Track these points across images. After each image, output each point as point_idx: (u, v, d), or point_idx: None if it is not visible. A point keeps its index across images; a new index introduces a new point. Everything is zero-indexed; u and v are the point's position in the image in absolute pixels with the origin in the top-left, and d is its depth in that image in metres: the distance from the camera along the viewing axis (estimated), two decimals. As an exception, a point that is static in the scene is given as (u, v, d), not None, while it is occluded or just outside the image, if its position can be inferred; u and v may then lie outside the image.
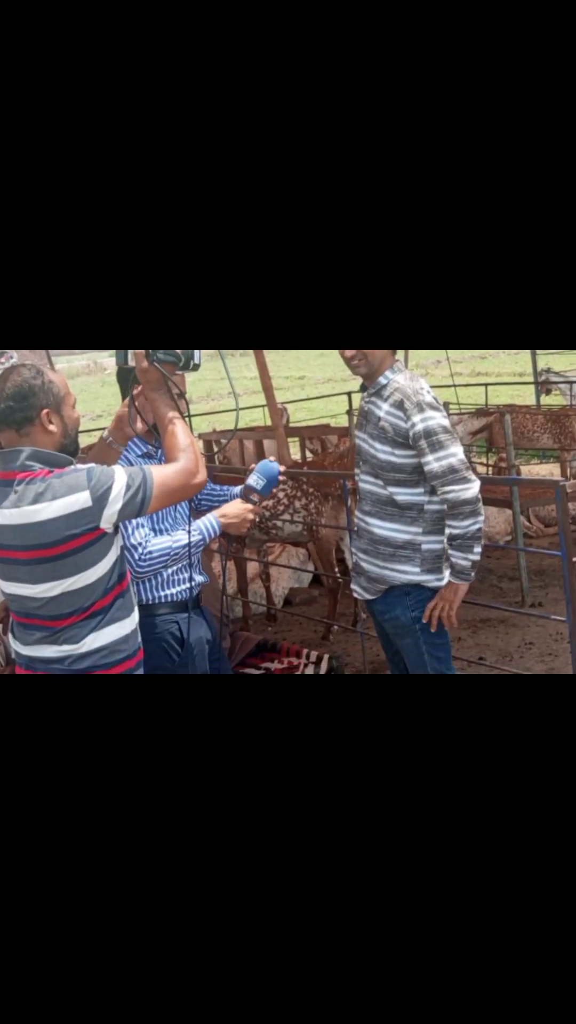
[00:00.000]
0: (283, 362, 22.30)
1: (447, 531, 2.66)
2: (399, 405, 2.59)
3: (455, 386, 9.06)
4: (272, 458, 2.82)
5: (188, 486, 2.02)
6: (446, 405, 7.78)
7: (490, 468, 8.09)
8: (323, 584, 5.73)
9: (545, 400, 10.01)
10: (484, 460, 8.47)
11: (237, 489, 2.70)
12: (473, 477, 2.58)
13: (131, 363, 2.11)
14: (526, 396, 12.21)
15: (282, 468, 2.60)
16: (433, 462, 2.56)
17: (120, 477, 1.92)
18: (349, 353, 2.65)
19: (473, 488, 2.57)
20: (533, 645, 4.79)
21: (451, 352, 20.20)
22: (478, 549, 2.63)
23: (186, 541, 2.35)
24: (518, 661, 4.58)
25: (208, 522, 2.46)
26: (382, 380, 2.66)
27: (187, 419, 2.13)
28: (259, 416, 10.94)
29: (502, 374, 13.69)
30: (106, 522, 1.90)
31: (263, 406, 7.99)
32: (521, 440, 7.56)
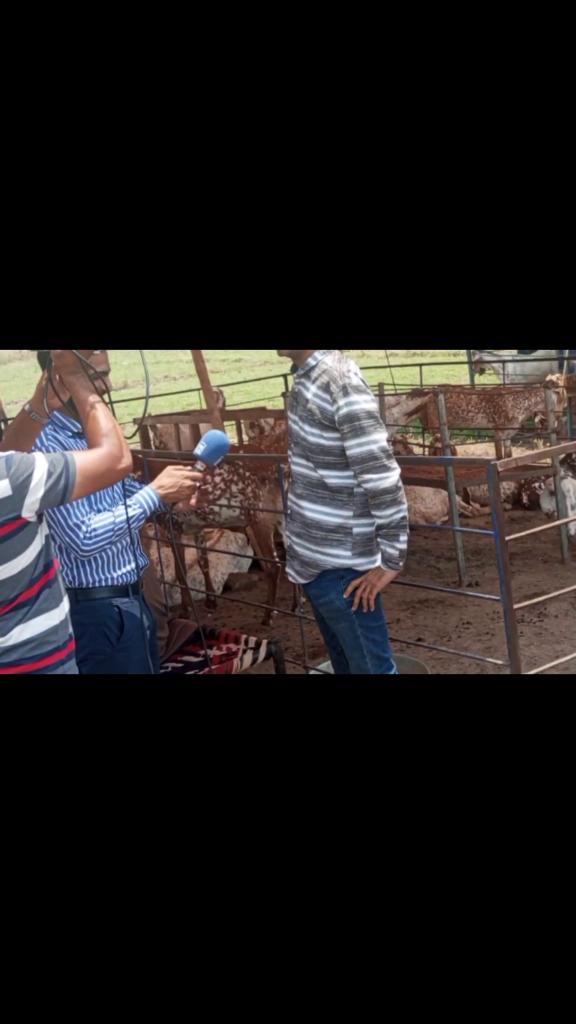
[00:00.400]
0: (219, 345, 22.07)
1: (374, 519, 2.65)
2: (326, 387, 2.56)
3: (390, 367, 9.06)
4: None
5: (113, 471, 1.96)
6: (380, 386, 7.84)
7: (426, 449, 8.13)
8: (263, 569, 5.71)
9: (479, 380, 10.10)
10: (420, 440, 8.51)
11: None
12: (394, 465, 2.56)
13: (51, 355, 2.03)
14: (460, 376, 12.33)
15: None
16: (355, 447, 2.55)
17: (41, 464, 1.86)
18: None
19: (391, 477, 2.56)
20: (471, 625, 4.84)
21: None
22: (404, 537, 2.63)
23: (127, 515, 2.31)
24: (456, 641, 4.62)
25: (146, 495, 2.42)
26: (311, 361, 2.63)
27: (108, 402, 2.07)
28: (195, 400, 10.84)
29: (436, 354, 13.77)
30: (27, 511, 1.85)
31: (198, 389, 7.91)
32: (456, 420, 7.61)
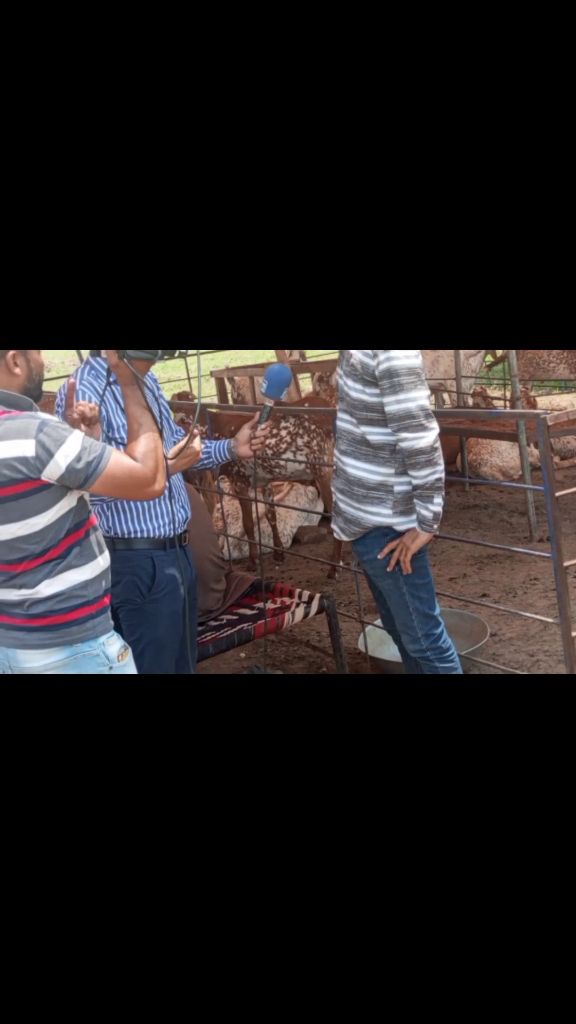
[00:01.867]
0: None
1: (410, 479, 2.60)
2: None
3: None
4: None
5: (137, 491, 1.96)
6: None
7: (507, 402, 7.92)
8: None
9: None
10: (501, 394, 8.30)
11: (215, 444, 2.69)
12: (432, 425, 2.49)
13: (103, 357, 2.01)
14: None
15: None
16: (392, 404, 2.49)
17: (74, 442, 1.86)
18: None
19: (427, 437, 2.49)
20: (538, 581, 4.73)
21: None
22: (439, 499, 2.57)
23: None
24: (521, 597, 4.53)
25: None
26: None
27: (158, 419, 2.04)
28: (273, 354, 10.80)
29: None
30: (47, 477, 1.86)
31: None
32: (537, 371, 7.38)
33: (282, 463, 5.31)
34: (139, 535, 2.50)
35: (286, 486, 6.17)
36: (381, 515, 2.65)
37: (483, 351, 7.46)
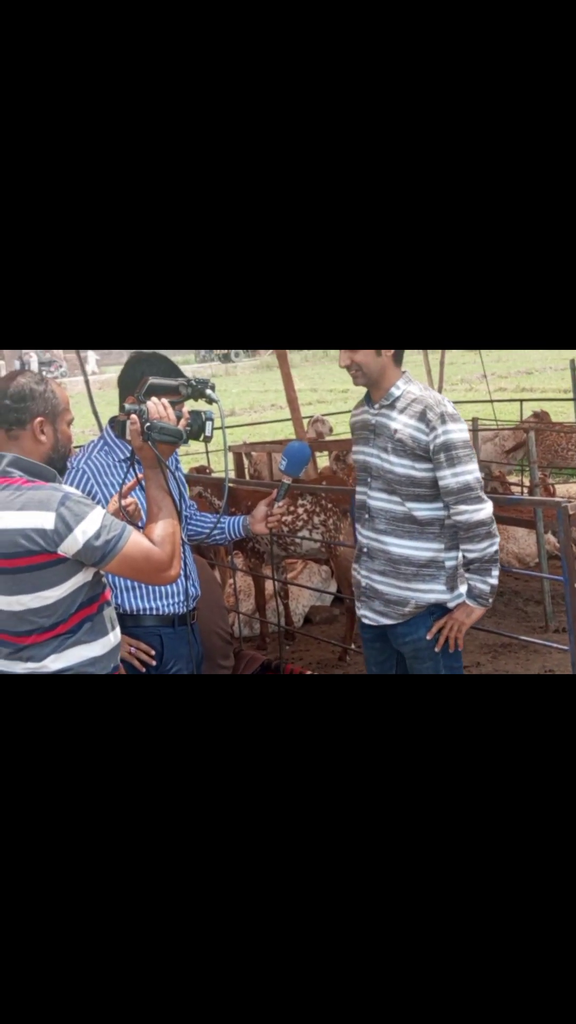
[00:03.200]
0: (328, 374, 22.26)
1: (463, 554, 2.54)
2: (421, 416, 2.47)
3: (492, 401, 8.89)
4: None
5: (152, 575, 1.93)
6: (474, 420, 7.67)
7: (525, 488, 7.90)
8: (345, 603, 5.63)
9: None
10: (519, 480, 8.28)
11: (230, 520, 2.67)
12: (487, 497, 2.47)
13: (128, 438, 1.96)
14: (569, 413, 11.98)
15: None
16: (450, 477, 2.45)
17: (96, 518, 1.83)
18: (344, 362, 2.56)
19: (487, 509, 2.46)
20: (554, 673, 4.63)
21: (496, 367, 19.99)
22: (496, 572, 2.51)
23: None
24: (536, 689, 4.42)
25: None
26: (394, 391, 2.55)
27: (178, 504, 2.01)
28: (291, 430, 10.90)
29: (547, 390, 13.45)
30: (64, 551, 1.82)
31: (308, 418, 7.97)
32: (556, 458, 7.38)
33: (297, 541, 5.28)
34: (148, 612, 2.46)
35: (300, 564, 6.12)
36: (436, 592, 2.57)
37: (501, 437, 7.47)
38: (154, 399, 1.95)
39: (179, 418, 1.97)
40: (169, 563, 1.92)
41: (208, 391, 2.04)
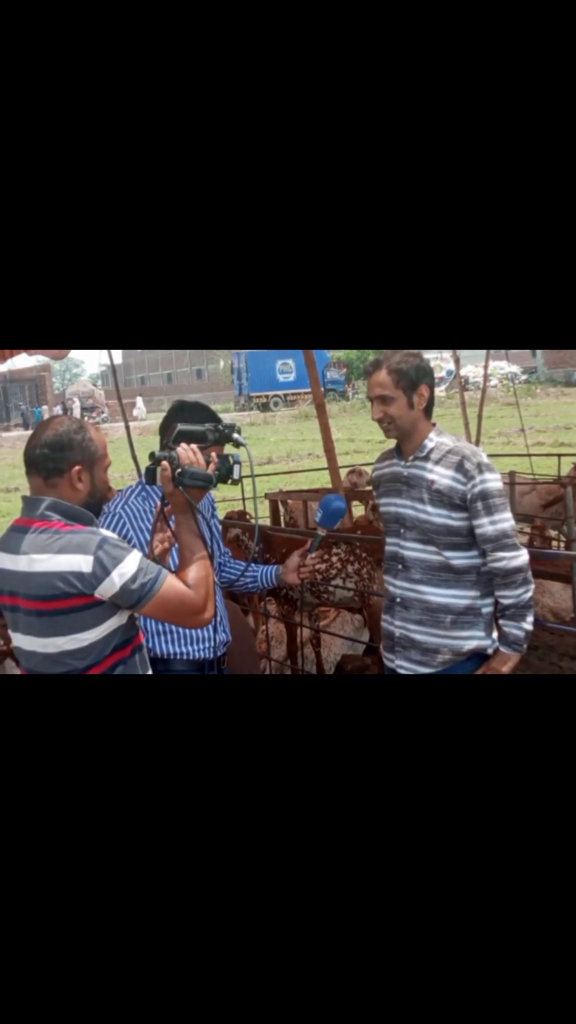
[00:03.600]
0: (365, 425, 22.35)
1: (500, 600, 2.56)
2: (458, 466, 2.52)
3: (529, 455, 8.88)
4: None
5: (186, 618, 1.95)
6: (511, 474, 7.64)
7: (561, 542, 7.83)
8: (377, 652, 5.60)
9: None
10: (555, 534, 8.21)
11: (263, 569, 2.69)
12: (521, 545, 2.50)
13: (158, 483, 2.01)
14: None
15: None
16: (488, 525, 2.49)
17: (133, 561, 1.86)
18: (376, 415, 2.61)
19: (523, 555, 2.50)
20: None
21: (534, 421, 19.91)
22: (531, 618, 2.54)
23: None
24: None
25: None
26: (428, 443, 2.60)
27: (208, 542, 2.04)
28: (327, 479, 10.94)
29: (582, 446, 13.41)
30: (100, 594, 1.84)
31: (348, 467, 8.02)
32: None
33: (331, 589, 5.28)
34: (179, 657, 2.48)
35: (332, 612, 6.11)
36: (476, 638, 2.59)
37: (538, 492, 7.44)
38: (183, 445, 1.99)
39: (208, 462, 2.01)
40: (203, 606, 1.93)
41: (235, 435, 2.09)
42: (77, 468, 1.93)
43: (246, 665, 3.71)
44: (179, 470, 1.96)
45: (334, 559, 5.25)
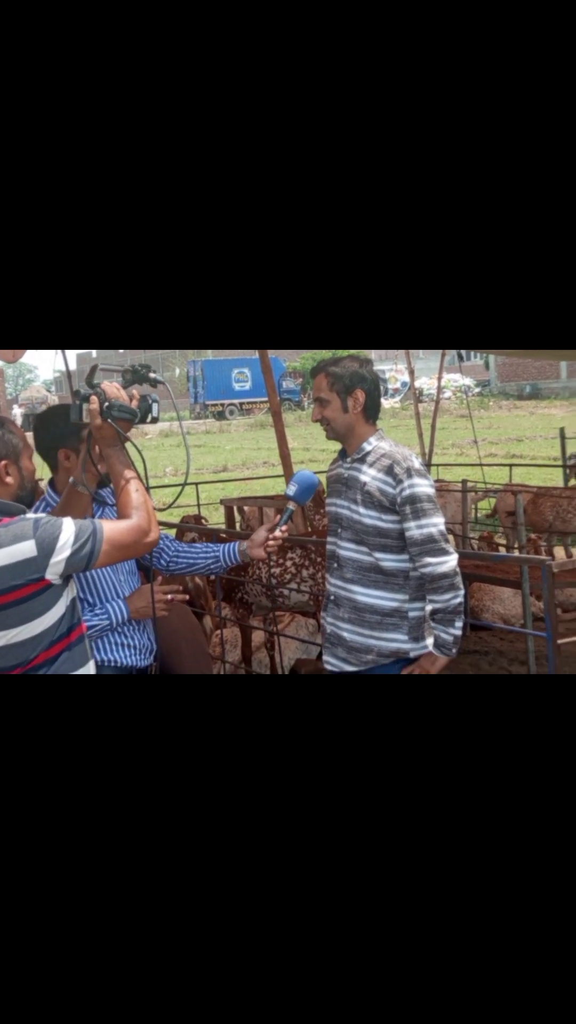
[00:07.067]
0: (320, 434, 22.41)
1: (428, 605, 2.61)
2: (388, 470, 2.58)
3: (481, 465, 9.02)
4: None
5: (139, 544, 2.01)
6: (464, 482, 7.76)
7: (514, 549, 7.96)
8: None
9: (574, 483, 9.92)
10: (506, 541, 8.35)
11: (224, 547, 2.70)
12: (452, 550, 2.56)
13: (86, 419, 2.09)
14: (556, 479, 12.12)
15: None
16: (415, 529, 2.55)
17: (68, 528, 1.90)
18: (315, 416, 2.69)
19: (450, 561, 2.55)
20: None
21: (487, 433, 20.18)
22: (459, 623, 2.59)
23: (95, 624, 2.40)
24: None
25: (117, 607, 2.47)
26: (366, 447, 2.67)
27: (143, 477, 2.12)
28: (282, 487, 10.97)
29: (536, 457, 13.62)
30: (51, 573, 1.88)
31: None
32: (557, 521, 7.48)
33: (285, 593, 5.32)
34: (108, 663, 2.49)
35: (287, 616, 6.14)
36: (398, 641, 2.64)
37: (503, 497, 7.56)
38: (106, 382, 2.08)
39: (131, 398, 2.10)
40: (148, 527, 2.01)
41: (151, 374, 2.18)
42: (3, 463, 1.97)
43: (198, 668, 3.72)
44: (107, 403, 2.05)
45: (288, 563, 5.29)
